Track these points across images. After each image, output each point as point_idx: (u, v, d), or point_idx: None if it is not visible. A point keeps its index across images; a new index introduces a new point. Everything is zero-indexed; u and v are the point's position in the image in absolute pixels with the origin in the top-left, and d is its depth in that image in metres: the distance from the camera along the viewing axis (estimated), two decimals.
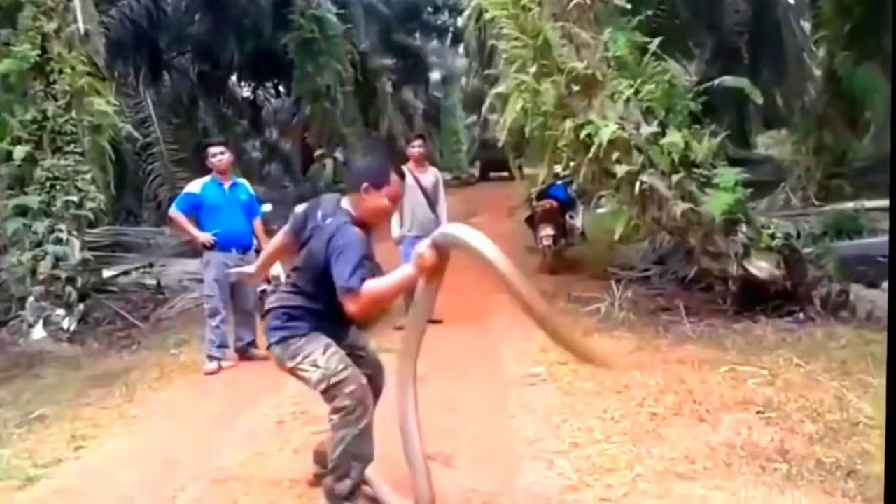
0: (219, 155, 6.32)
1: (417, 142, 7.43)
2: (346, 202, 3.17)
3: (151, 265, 10.93)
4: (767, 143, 20.87)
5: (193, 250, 10.16)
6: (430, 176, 7.33)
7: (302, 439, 4.17)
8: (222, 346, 6.26)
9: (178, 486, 3.74)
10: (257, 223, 6.52)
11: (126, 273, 10.41)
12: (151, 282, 10.06)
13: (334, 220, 3.08)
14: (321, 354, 3.10)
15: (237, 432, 4.56)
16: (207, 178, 6.37)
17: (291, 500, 3.46)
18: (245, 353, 6.36)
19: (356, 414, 3.05)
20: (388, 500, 3.29)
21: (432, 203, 7.16)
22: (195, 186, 6.34)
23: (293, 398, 4.76)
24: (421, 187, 7.11)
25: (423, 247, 2.86)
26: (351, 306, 2.86)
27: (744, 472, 3.30)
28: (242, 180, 6.65)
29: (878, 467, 3.23)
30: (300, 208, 3.67)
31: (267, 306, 3.34)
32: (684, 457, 3.52)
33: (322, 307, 3.12)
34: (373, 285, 2.86)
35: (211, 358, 6.18)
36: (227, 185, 6.35)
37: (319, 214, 3.18)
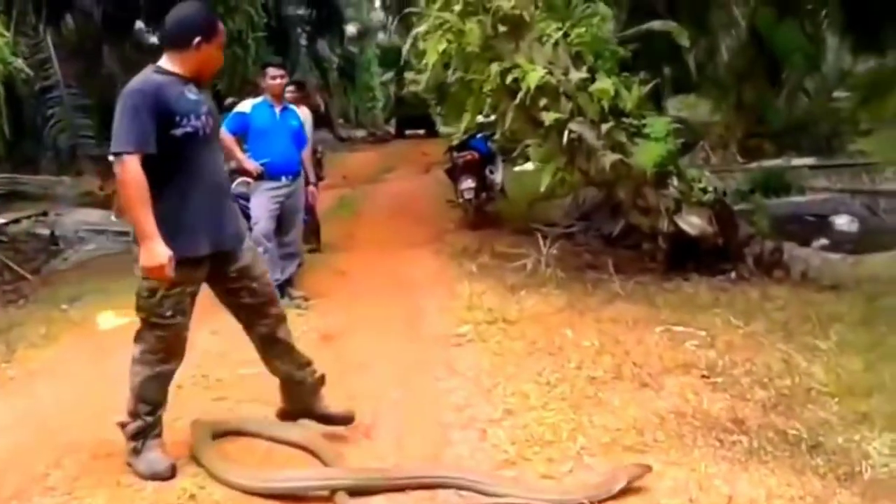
0: (278, 78, 5.94)
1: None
2: (166, 63, 3.07)
3: (46, 213, 10.05)
4: (678, 108, 20.96)
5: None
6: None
7: (202, 407, 3.59)
8: None
9: (51, 462, 3.11)
10: (306, 153, 6.18)
11: (17, 221, 9.54)
12: (45, 231, 9.26)
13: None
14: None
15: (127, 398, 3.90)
16: (259, 98, 5.91)
17: (184, 481, 2.85)
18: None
19: (157, 356, 2.93)
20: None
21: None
22: (245, 106, 5.92)
23: (197, 359, 4.00)
24: None
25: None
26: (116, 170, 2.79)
27: (699, 444, 2.95)
28: (293, 106, 6.17)
29: (842, 439, 2.96)
30: None
31: None
32: (631, 426, 3.15)
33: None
34: (135, 181, 2.73)
35: None
36: (278, 110, 5.87)
37: None
